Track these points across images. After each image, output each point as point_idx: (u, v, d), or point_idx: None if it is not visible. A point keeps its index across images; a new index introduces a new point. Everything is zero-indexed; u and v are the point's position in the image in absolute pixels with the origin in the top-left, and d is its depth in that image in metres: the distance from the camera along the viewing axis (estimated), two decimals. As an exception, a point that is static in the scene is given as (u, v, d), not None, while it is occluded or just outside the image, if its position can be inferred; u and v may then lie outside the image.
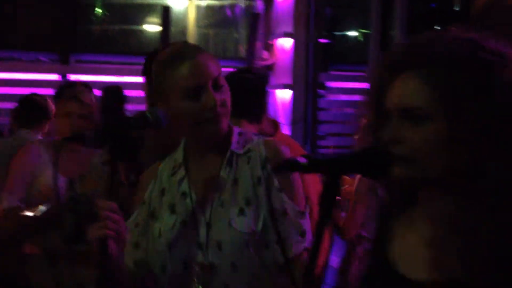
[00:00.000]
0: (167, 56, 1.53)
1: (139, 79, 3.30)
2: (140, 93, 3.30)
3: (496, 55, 1.01)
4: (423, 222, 1.10)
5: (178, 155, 1.62)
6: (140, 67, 3.33)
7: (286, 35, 4.91)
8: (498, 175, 0.97)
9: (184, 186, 1.57)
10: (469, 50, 1.01)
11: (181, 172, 1.59)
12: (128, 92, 3.53)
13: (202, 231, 1.53)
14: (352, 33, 5.74)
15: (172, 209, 1.57)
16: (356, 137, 2.63)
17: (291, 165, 0.99)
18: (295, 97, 4.84)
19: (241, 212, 1.51)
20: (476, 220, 0.98)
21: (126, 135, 1.50)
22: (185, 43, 1.64)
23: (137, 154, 2.22)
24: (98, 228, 1.44)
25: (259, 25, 5.09)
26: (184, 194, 1.57)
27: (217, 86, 1.51)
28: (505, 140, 0.98)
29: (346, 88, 5.25)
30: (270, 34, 5.07)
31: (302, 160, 0.99)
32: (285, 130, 4.65)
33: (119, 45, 5.44)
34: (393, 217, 1.16)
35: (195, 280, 1.51)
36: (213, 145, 1.57)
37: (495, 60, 1.00)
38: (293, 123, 4.87)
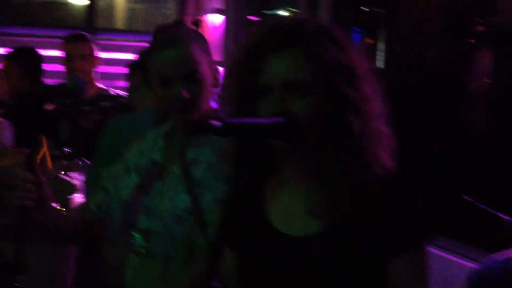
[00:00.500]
0: (157, 39, 1.62)
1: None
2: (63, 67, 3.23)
3: (342, 42, 1.19)
4: (297, 182, 1.21)
5: (167, 126, 1.71)
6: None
7: (217, 11, 4.89)
8: (359, 134, 1.15)
9: (158, 155, 1.66)
10: (329, 35, 1.18)
11: (161, 141, 1.68)
12: (52, 67, 3.44)
13: (154, 198, 1.60)
14: (282, 12, 5.79)
15: (140, 172, 1.66)
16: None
17: (205, 128, 1.01)
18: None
19: (185, 190, 1.56)
20: (341, 171, 1.14)
21: (43, 107, 1.49)
22: (184, 28, 1.67)
23: (58, 126, 2.18)
24: (15, 198, 1.46)
25: (189, 1, 5.05)
26: (154, 163, 1.66)
27: (190, 79, 1.55)
28: (365, 108, 1.16)
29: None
30: (200, 10, 5.04)
31: (217, 123, 1.01)
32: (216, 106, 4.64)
33: (43, 17, 5.25)
34: (265, 179, 1.25)
35: (135, 244, 1.58)
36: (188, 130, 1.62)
37: (346, 47, 1.18)
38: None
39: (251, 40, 1.20)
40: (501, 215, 2.15)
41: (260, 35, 1.19)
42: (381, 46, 4.28)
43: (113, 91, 3.29)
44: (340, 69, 1.14)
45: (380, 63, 4.23)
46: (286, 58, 1.14)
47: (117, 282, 1.63)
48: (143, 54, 2.60)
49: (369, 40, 4.34)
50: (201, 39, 1.65)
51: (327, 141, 1.15)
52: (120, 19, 5.29)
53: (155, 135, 1.73)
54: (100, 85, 3.32)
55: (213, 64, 1.64)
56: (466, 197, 2.21)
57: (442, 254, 2.45)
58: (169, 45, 1.57)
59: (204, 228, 1.48)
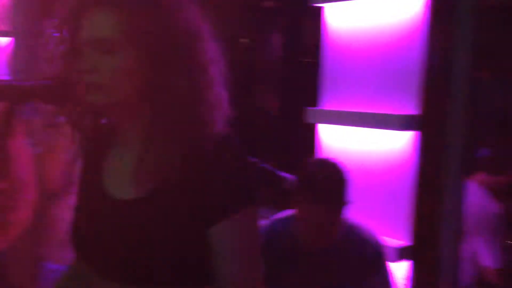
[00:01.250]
0: None
1: None
2: None
3: (170, 4, 1.14)
4: (123, 146, 1.21)
5: None
6: None
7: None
8: (184, 98, 1.12)
9: None
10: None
11: None
12: None
13: None
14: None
15: None
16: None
17: None
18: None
19: None
20: (165, 136, 1.13)
21: None
22: None
23: None
24: None
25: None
26: None
27: None
28: (196, 71, 1.13)
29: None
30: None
31: None
32: None
33: None
34: (98, 148, 1.26)
35: None
36: None
37: (173, 8, 1.14)
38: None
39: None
40: (284, 174, 2.39)
41: None
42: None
43: None
44: (160, 30, 1.10)
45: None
46: (95, 16, 1.11)
47: None
48: None
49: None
50: None
51: (149, 106, 1.13)
52: None
53: None
54: None
55: None
56: (256, 160, 2.39)
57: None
58: None
59: None
